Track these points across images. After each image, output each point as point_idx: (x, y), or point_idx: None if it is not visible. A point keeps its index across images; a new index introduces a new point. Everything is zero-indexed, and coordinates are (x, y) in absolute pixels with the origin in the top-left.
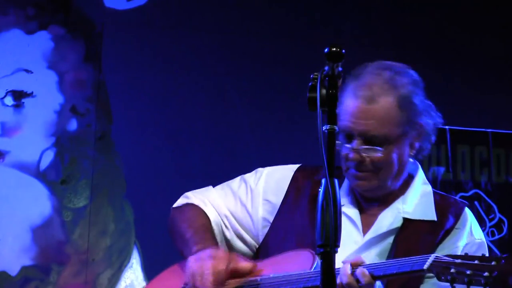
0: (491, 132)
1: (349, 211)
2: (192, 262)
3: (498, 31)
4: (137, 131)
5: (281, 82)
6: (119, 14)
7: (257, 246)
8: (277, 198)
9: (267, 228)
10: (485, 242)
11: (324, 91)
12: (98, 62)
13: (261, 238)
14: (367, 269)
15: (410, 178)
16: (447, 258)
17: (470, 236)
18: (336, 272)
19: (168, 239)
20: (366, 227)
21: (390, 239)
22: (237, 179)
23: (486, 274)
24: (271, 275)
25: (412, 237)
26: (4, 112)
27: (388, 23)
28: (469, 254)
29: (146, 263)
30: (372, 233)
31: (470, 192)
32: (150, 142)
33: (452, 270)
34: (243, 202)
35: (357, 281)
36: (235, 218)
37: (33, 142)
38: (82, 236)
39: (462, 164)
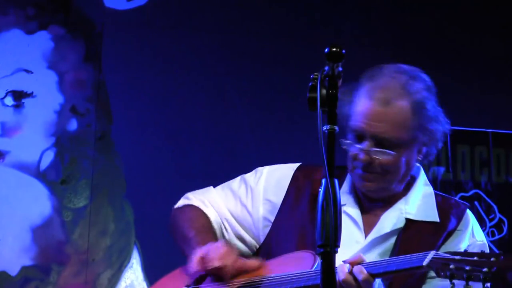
0: (491, 132)
1: (351, 211)
2: (195, 258)
3: (498, 31)
4: (137, 131)
5: (281, 82)
6: (119, 14)
7: (258, 246)
8: (278, 198)
9: (268, 228)
10: (487, 243)
11: (324, 91)
12: (98, 62)
13: (262, 238)
14: (366, 267)
15: (412, 179)
16: (446, 255)
17: (472, 237)
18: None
19: (168, 239)
20: (368, 227)
21: (393, 240)
22: (237, 179)
23: (485, 270)
24: (272, 275)
25: (415, 238)
26: (4, 112)
27: (388, 23)
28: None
29: (146, 263)
30: (375, 233)
31: (470, 192)
32: (150, 142)
33: (452, 266)
34: (243, 202)
35: (355, 278)
36: (236, 219)
37: (33, 142)
38: (82, 236)
39: (462, 164)
